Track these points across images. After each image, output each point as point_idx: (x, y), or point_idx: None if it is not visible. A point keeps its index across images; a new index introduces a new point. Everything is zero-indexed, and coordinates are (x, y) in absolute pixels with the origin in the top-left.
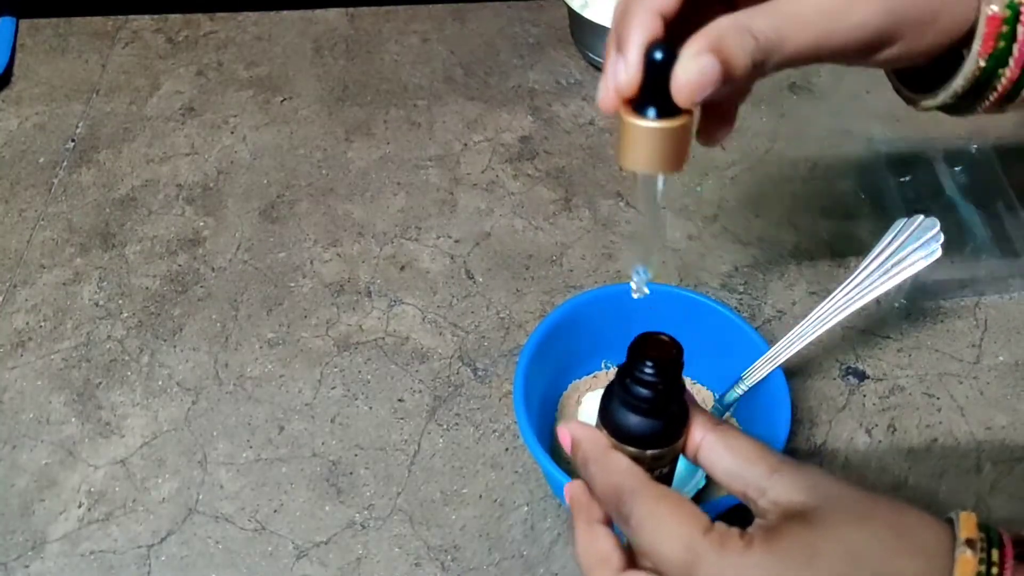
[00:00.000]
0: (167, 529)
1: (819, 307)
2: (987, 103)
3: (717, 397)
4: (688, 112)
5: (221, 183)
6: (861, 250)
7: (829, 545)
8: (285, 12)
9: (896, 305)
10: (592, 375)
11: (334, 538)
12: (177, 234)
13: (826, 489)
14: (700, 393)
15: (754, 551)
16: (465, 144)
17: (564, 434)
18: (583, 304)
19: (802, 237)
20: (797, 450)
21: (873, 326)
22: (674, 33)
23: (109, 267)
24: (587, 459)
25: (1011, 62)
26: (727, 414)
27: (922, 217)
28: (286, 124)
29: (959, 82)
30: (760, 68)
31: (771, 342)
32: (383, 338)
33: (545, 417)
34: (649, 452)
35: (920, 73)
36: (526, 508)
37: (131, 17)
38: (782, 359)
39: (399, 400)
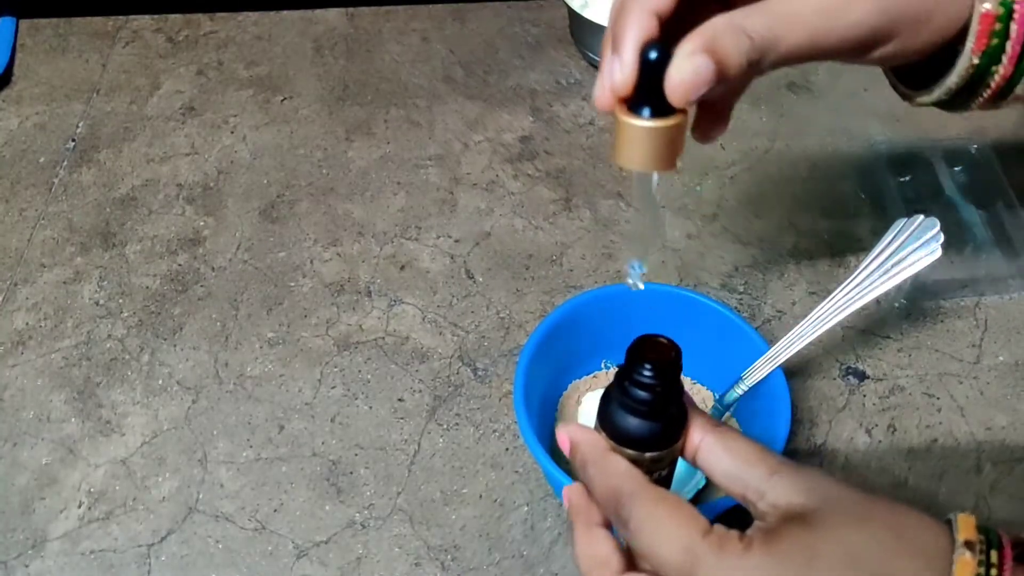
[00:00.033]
0: (167, 528)
1: (819, 307)
2: (981, 99)
3: (717, 397)
4: (682, 111)
5: (221, 183)
6: (861, 250)
7: (828, 547)
8: (285, 12)
9: (896, 305)
10: (592, 375)
11: (334, 538)
12: (177, 234)
13: (825, 491)
14: (700, 393)
15: (753, 553)
16: (465, 144)
17: (563, 437)
18: (583, 304)
19: (802, 237)
20: (797, 450)
21: (873, 326)
22: (670, 32)
23: (109, 266)
24: (586, 462)
25: (1004, 59)
26: (727, 414)
27: (922, 217)
28: (286, 124)
29: (953, 79)
30: (755, 67)
31: (771, 342)
32: (383, 338)
33: (545, 417)
34: (648, 455)
35: (916, 69)
36: (526, 508)
37: (131, 17)
38: (782, 359)
39: (399, 400)
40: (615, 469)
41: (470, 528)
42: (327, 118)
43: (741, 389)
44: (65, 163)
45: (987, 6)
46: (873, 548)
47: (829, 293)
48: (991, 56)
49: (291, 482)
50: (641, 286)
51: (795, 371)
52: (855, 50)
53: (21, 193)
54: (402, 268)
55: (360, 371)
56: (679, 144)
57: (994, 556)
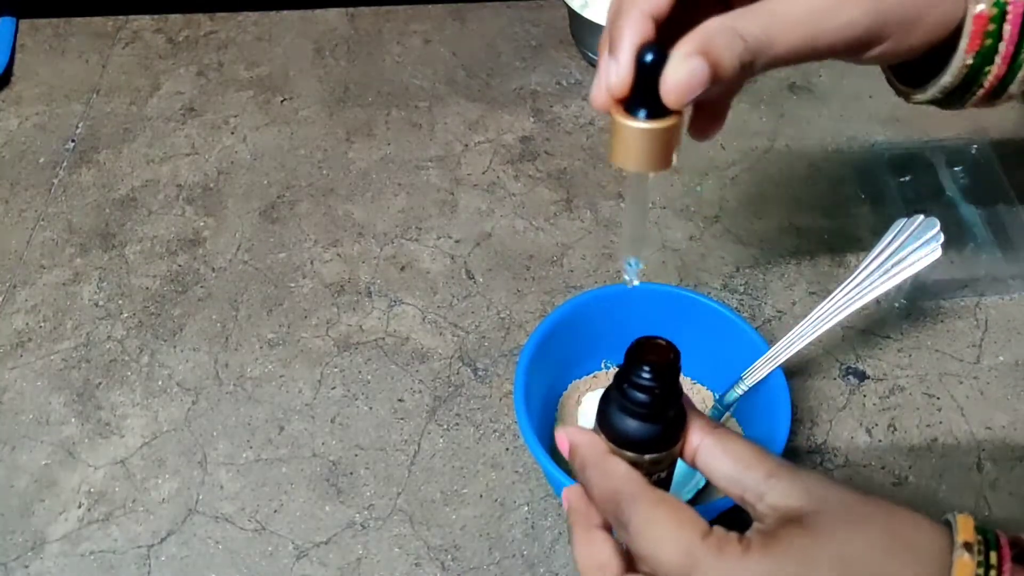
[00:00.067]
0: (167, 529)
1: (819, 307)
2: (975, 98)
3: (717, 397)
4: (678, 112)
5: (221, 183)
6: (861, 250)
7: (826, 549)
8: (285, 12)
9: (896, 305)
10: (592, 375)
11: (334, 538)
12: (177, 234)
13: (823, 493)
14: (700, 393)
15: (752, 556)
16: (466, 145)
17: (562, 439)
18: (583, 304)
19: (802, 237)
20: (797, 450)
21: (873, 326)
22: (666, 34)
23: (109, 267)
24: (585, 464)
25: (997, 59)
26: (727, 414)
27: (922, 217)
28: (286, 124)
29: (947, 78)
30: (749, 68)
31: (771, 342)
32: (383, 338)
33: (545, 417)
34: (647, 456)
35: (913, 67)
36: (526, 508)
37: (131, 17)
38: (782, 359)
39: (399, 400)
40: (614, 471)
41: (470, 528)
42: (327, 119)
43: (741, 389)
44: (65, 164)
45: (981, 7)
46: (871, 550)
47: (829, 293)
48: (985, 56)
49: (291, 483)
50: (637, 283)
51: (795, 371)
52: (848, 50)
53: (20, 194)
54: (402, 269)
55: (360, 372)
56: (674, 145)
57: (993, 557)
